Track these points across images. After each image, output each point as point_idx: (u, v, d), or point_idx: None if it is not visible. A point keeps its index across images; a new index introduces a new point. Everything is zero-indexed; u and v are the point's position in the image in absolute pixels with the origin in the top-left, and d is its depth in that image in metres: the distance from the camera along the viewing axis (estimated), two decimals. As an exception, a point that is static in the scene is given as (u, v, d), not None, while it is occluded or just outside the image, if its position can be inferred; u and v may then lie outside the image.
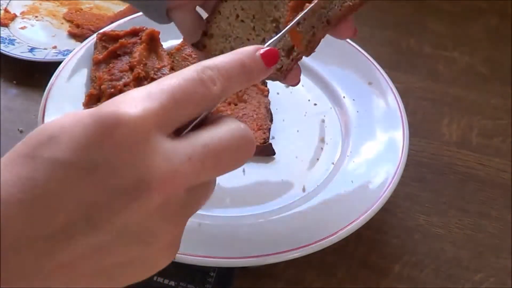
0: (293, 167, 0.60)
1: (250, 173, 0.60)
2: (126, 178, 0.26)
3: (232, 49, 0.43)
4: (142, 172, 0.26)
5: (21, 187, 0.25)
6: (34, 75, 0.74)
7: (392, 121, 0.61)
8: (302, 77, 0.67)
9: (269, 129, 0.63)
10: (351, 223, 0.51)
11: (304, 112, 0.66)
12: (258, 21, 0.44)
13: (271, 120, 0.64)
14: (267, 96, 0.66)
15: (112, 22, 0.73)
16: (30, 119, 0.66)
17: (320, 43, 0.65)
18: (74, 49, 0.69)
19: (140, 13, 0.67)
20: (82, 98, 0.62)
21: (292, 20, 0.39)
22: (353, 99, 0.65)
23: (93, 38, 0.69)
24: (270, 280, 0.54)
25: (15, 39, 0.77)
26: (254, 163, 0.60)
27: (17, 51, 0.75)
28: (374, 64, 0.67)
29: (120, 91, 0.61)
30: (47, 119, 0.59)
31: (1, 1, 0.82)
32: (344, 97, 0.66)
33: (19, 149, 0.26)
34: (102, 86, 0.62)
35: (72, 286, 0.27)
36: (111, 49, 0.67)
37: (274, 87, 0.67)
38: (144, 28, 0.68)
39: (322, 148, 0.62)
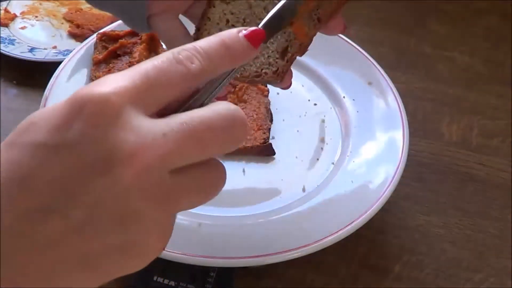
0: (293, 167, 0.60)
1: (250, 173, 0.60)
2: (96, 153, 0.26)
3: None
4: (112, 146, 0.26)
5: (1, 171, 0.26)
6: (34, 75, 0.73)
7: (392, 121, 0.61)
8: (302, 77, 0.68)
9: (269, 129, 0.63)
10: (351, 223, 0.51)
11: (304, 112, 0.66)
12: (249, 25, 0.44)
13: (271, 120, 0.64)
14: (267, 96, 0.66)
15: (112, 22, 0.73)
16: (30, 119, 0.65)
17: (321, 43, 0.65)
18: (74, 49, 0.69)
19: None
20: (82, 98, 0.62)
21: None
22: (353, 99, 0.65)
23: (93, 38, 0.69)
24: (270, 280, 0.54)
25: (15, 39, 0.77)
26: (254, 163, 0.60)
27: (17, 51, 0.75)
28: (374, 64, 0.67)
29: (120, 91, 0.61)
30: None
31: (1, 2, 0.82)
32: (344, 97, 0.66)
33: (6, 139, 0.27)
34: (102, 86, 0.62)
35: (52, 275, 0.26)
36: (111, 49, 0.67)
37: (274, 87, 0.67)
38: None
39: (322, 148, 0.62)
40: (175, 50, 0.29)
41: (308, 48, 0.44)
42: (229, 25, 0.44)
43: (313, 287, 0.54)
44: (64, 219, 0.25)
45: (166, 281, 0.51)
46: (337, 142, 0.62)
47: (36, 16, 0.82)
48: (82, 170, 0.26)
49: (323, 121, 0.65)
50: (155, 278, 0.51)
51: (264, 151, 0.61)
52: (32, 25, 0.80)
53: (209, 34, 0.43)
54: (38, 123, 0.27)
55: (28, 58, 0.74)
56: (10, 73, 0.74)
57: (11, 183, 0.26)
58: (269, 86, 0.66)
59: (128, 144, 0.26)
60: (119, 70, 0.64)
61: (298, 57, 0.45)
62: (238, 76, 0.42)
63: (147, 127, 0.27)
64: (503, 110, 0.72)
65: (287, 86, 0.46)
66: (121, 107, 0.26)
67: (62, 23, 0.81)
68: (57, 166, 0.26)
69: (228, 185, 0.59)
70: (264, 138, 0.61)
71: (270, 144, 0.61)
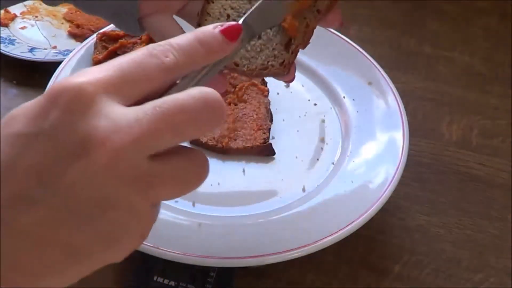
0: (293, 167, 0.60)
1: (250, 173, 0.60)
2: (71, 139, 0.26)
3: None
4: (86, 131, 0.26)
5: None
6: (34, 75, 0.73)
7: (392, 121, 0.61)
8: (302, 77, 0.68)
9: (269, 129, 0.63)
10: (351, 223, 0.51)
11: (304, 112, 0.66)
12: None
13: (271, 120, 0.64)
14: (267, 96, 0.66)
15: (112, 22, 0.73)
16: (30, 119, 0.65)
17: (321, 43, 0.65)
18: (74, 49, 0.69)
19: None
20: (82, 98, 0.62)
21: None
22: (353, 99, 0.65)
23: (93, 38, 0.69)
24: (270, 280, 0.54)
25: (15, 39, 0.77)
26: (254, 163, 0.60)
27: (17, 51, 0.75)
28: (374, 64, 0.67)
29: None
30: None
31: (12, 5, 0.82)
32: (344, 97, 0.66)
33: None
34: (102, 86, 0.62)
35: (37, 268, 0.26)
36: (111, 49, 0.67)
37: (274, 87, 0.67)
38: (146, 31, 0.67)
39: (322, 148, 0.62)
40: (150, 45, 0.30)
41: (310, 41, 0.44)
42: (230, 20, 0.43)
43: (313, 287, 0.54)
44: (44, 205, 0.26)
45: (166, 281, 0.51)
46: (337, 142, 0.62)
47: (36, 16, 0.82)
48: (59, 155, 0.26)
49: (323, 121, 0.65)
50: (155, 278, 0.51)
51: (264, 151, 0.61)
52: (32, 25, 0.80)
53: None
54: (18, 116, 0.28)
55: (28, 58, 0.74)
56: (10, 73, 0.74)
57: None
58: (269, 86, 0.66)
59: (101, 128, 0.26)
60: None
61: (298, 57, 0.45)
62: (245, 70, 0.42)
63: (121, 113, 0.27)
64: (503, 110, 0.72)
65: (291, 79, 0.46)
66: (95, 96, 0.27)
67: (62, 23, 0.81)
68: (35, 154, 0.26)
69: (228, 185, 0.60)
70: (264, 138, 0.61)
71: (270, 144, 0.61)
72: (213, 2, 0.44)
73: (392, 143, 0.59)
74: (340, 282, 0.54)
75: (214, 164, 0.60)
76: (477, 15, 0.85)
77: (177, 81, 0.32)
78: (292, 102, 0.67)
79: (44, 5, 0.83)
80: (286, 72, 0.43)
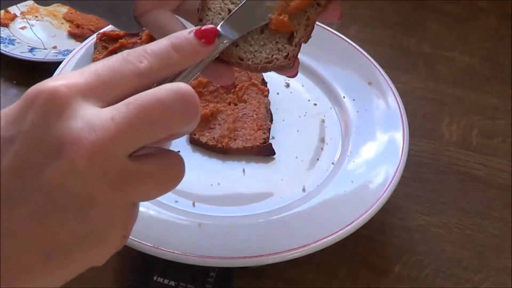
0: (293, 167, 0.60)
1: (250, 173, 0.60)
2: (47, 139, 0.27)
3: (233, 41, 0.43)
4: (60, 133, 0.27)
5: None
6: (34, 75, 0.73)
7: (392, 121, 0.61)
8: (302, 77, 0.68)
9: (269, 129, 0.63)
10: (351, 223, 0.51)
11: (304, 112, 0.66)
12: None
13: (271, 120, 0.64)
14: (267, 96, 0.66)
15: (112, 22, 0.73)
16: (30, 119, 0.65)
17: (321, 43, 0.65)
18: (74, 49, 0.69)
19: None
20: (82, 98, 0.62)
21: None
22: (353, 99, 0.65)
23: (93, 38, 0.69)
24: (270, 280, 0.54)
25: (15, 39, 0.77)
26: (254, 163, 0.60)
27: (17, 51, 0.75)
28: (374, 64, 0.67)
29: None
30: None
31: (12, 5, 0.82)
32: (344, 97, 0.66)
33: None
34: (102, 86, 0.62)
35: (18, 271, 0.27)
36: (111, 49, 0.67)
37: (274, 87, 0.67)
38: (144, 29, 0.67)
39: (322, 148, 0.62)
40: (125, 51, 0.30)
41: (312, 35, 0.44)
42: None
43: (313, 287, 0.54)
44: (24, 204, 0.26)
45: (166, 281, 0.51)
46: (337, 142, 0.62)
47: (36, 16, 0.82)
48: (36, 156, 0.27)
49: (323, 121, 0.65)
50: (155, 278, 0.51)
51: (264, 151, 0.61)
52: (32, 25, 0.80)
53: (213, 24, 0.43)
54: None
55: (28, 58, 0.74)
56: (10, 73, 0.74)
57: None
58: (269, 86, 0.66)
59: (75, 129, 0.27)
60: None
61: (298, 57, 0.45)
62: (250, 64, 0.42)
63: (96, 114, 0.27)
64: (503, 110, 0.72)
65: (295, 73, 0.46)
66: (70, 98, 0.27)
67: (62, 23, 0.81)
68: (13, 156, 0.27)
69: (228, 185, 0.60)
70: (264, 138, 0.61)
71: (270, 144, 0.61)
72: None
73: (392, 143, 0.59)
74: (340, 282, 0.54)
75: (214, 164, 0.60)
76: (477, 15, 0.85)
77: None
78: (292, 102, 0.67)
79: (44, 5, 0.83)
80: (291, 64, 0.42)
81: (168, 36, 0.32)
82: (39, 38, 0.78)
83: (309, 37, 0.43)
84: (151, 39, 0.67)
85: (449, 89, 0.74)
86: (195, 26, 0.44)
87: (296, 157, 0.61)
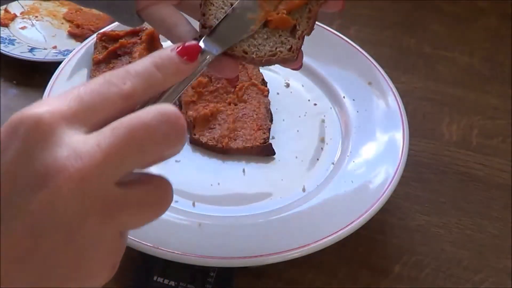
0: (293, 167, 0.60)
1: (250, 173, 0.60)
2: (32, 169, 0.26)
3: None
4: (46, 161, 0.26)
5: None
6: (34, 75, 0.73)
7: (392, 121, 0.61)
8: (302, 77, 0.68)
9: (269, 129, 0.63)
10: (351, 223, 0.51)
11: (304, 112, 0.66)
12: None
13: (271, 120, 0.64)
14: (267, 96, 0.66)
15: (112, 22, 0.73)
16: (30, 119, 0.65)
17: (321, 43, 0.65)
18: (74, 49, 0.69)
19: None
20: (82, 98, 0.62)
21: None
22: (353, 99, 0.65)
23: (93, 38, 0.69)
24: (270, 280, 0.54)
25: (15, 39, 0.77)
26: (254, 163, 0.60)
27: (17, 51, 0.75)
28: (374, 64, 0.67)
29: (120, 91, 0.61)
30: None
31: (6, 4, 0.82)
32: (344, 97, 0.66)
33: None
34: (102, 86, 0.62)
35: None
36: (111, 49, 0.67)
37: (274, 87, 0.67)
38: (144, 28, 0.68)
39: (322, 148, 0.62)
40: (107, 73, 0.30)
41: (313, 29, 0.44)
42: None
43: (313, 287, 0.54)
44: (9, 238, 0.25)
45: (166, 281, 0.51)
46: (337, 142, 0.62)
47: (36, 16, 0.82)
48: (21, 187, 0.26)
49: (323, 121, 0.65)
50: (155, 278, 0.51)
51: (264, 151, 0.61)
52: (32, 25, 0.80)
53: (216, 19, 0.42)
54: None
55: (28, 58, 0.74)
56: (10, 73, 0.74)
57: None
58: (269, 86, 0.66)
59: (61, 157, 0.26)
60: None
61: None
62: (254, 57, 0.42)
63: (81, 141, 0.27)
64: (503, 110, 0.72)
65: (299, 66, 0.46)
66: (54, 125, 0.27)
67: (62, 23, 0.81)
68: None
69: (228, 185, 0.60)
70: (264, 138, 0.61)
71: (270, 144, 0.61)
72: None
73: (392, 143, 0.59)
74: (340, 282, 0.54)
75: (214, 164, 0.60)
76: (477, 15, 0.85)
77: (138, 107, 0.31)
78: (292, 102, 0.67)
79: (44, 5, 0.83)
80: (295, 57, 0.42)
81: (150, 54, 0.31)
82: (39, 38, 0.78)
83: (311, 29, 0.43)
84: (151, 39, 0.67)
85: (449, 89, 0.74)
86: (198, 20, 0.44)
87: (296, 157, 0.61)
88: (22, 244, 0.26)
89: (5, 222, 0.26)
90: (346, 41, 0.70)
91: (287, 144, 0.62)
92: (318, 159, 0.61)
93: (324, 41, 0.68)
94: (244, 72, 0.66)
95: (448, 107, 0.72)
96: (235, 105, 0.64)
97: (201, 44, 0.37)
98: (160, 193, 0.29)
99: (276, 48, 0.42)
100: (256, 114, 0.63)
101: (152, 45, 0.67)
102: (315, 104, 0.67)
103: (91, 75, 0.65)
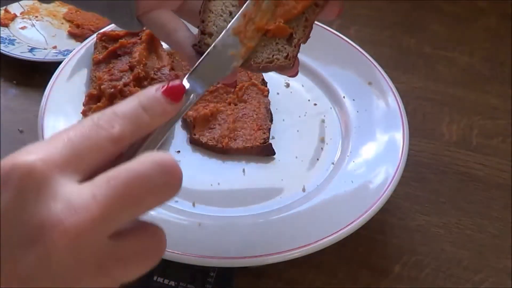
0: (293, 167, 0.60)
1: (250, 173, 0.60)
2: (25, 223, 0.25)
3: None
4: (40, 215, 0.25)
5: None
6: (34, 75, 0.73)
7: (392, 121, 0.61)
8: (302, 77, 0.68)
9: (269, 129, 0.63)
10: (351, 223, 0.51)
11: (304, 112, 0.66)
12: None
13: (271, 120, 0.64)
14: (267, 96, 0.66)
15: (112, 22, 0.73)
16: (30, 119, 0.66)
17: (321, 43, 0.65)
18: (74, 49, 0.69)
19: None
20: (82, 98, 0.62)
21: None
22: (353, 99, 0.65)
23: (93, 38, 0.69)
24: (270, 280, 0.54)
25: (15, 39, 0.77)
26: (254, 163, 0.60)
27: (17, 51, 0.75)
28: (374, 64, 0.67)
29: (120, 91, 0.61)
30: (47, 119, 0.59)
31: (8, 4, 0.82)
32: (344, 97, 0.66)
33: None
34: (102, 86, 0.62)
35: None
36: (111, 49, 0.67)
37: (274, 87, 0.67)
38: (144, 28, 0.67)
39: (322, 148, 0.62)
40: (95, 116, 0.29)
41: (310, 35, 0.44)
42: (233, 16, 0.44)
43: (313, 287, 0.54)
44: None
45: (166, 281, 0.51)
46: (337, 142, 0.62)
47: (36, 16, 0.82)
48: (12, 243, 0.25)
49: (323, 121, 0.65)
50: (155, 278, 0.51)
51: (264, 151, 0.61)
52: (32, 25, 0.80)
53: (215, 25, 0.43)
54: None
55: (28, 58, 0.74)
56: (10, 73, 0.74)
57: None
58: (269, 86, 0.66)
59: (56, 211, 0.25)
60: (119, 70, 0.64)
61: (298, 57, 0.45)
62: (252, 64, 0.43)
63: (76, 193, 0.26)
64: (503, 110, 0.72)
65: (295, 73, 0.46)
66: (47, 175, 0.26)
67: (62, 23, 0.81)
68: None
69: (228, 185, 0.60)
70: (264, 138, 0.61)
71: (270, 144, 0.61)
72: (214, 0, 0.44)
73: (392, 143, 0.59)
74: (340, 282, 0.54)
75: (214, 164, 0.60)
76: (477, 15, 0.85)
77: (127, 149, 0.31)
78: (292, 102, 0.67)
79: (44, 5, 0.83)
80: (291, 64, 0.43)
81: (136, 94, 0.31)
82: (39, 38, 0.78)
83: (307, 37, 0.44)
84: (151, 39, 0.67)
85: (449, 89, 0.74)
86: (197, 27, 0.44)
87: (296, 157, 0.61)
88: None
89: None
90: (346, 41, 0.70)
91: (287, 144, 0.62)
92: (318, 159, 0.61)
93: (324, 41, 0.68)
94: (244, 72, 0.66)
95: (448, 107, 0.72)
96: (235, 105, 0.64)
97: (185, 83, 0.36)
98: (154, 243, 0.28)
99: (273, 56, 0.43)
100: (256, 114, 0.63)
101: (152, 45, 0.67)
102: (315, 104, 0.67)
103: (91, 75, 0.65)
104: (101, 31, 0.69)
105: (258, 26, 0.41)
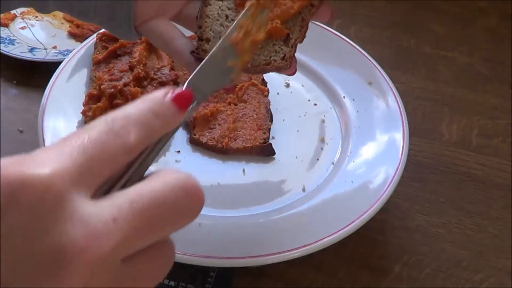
0: (293, 167, 0.60)
1: (250, 173, 0.60)
2: (40, 251, 0.22)
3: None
4: (58, 242, 0.22)
5: None
6: (34, 75, 0.74)
7: (392, 121, 0.61)
8: (302, 77, 0.68)
9: (269, 129, 0.63)
10: (351, 223, 0.51)
11: (304, 112, 0.66)
12: None
13: (271, 120, 0.64)
14: (267, 96, 0.66)
15: (112, 22, 0.73)
16: (30, 119, 0.66)
17: (321, 43, 0.65)
18: (74, 49, 0.69)
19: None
20: (82, 98, 0.62)
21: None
22: (353, 99, 0.65)
23: (93, 38, 0.69)
24: (270, 280, 0.54)
25: (15, 39, 0.77)
26: (254, 163, 0.60)
27: (17, 51, 0.75)
28: (374, 64, 0.67)
29: (120, 91, 0.61)
30: (47, 119, 0.59)
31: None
32: (344, 97, 0.66)
33: None
34: (102, 86, 0.62)
35: None
36: (111, 49, 0.67)
37: (274, 87, 0.67)
38: (142, 38, 0.67)
39: (322, 148, 0.62)
40: (109, 120, 0.27)
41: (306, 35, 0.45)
42: (229, 20, 0.44)
43: (313, 287, 0.54)
44: None
45: (166, 281, 0.51)
46: (337, 142, 0.62)
47: (36, 16, 0.82)
48: (25, 273, 0.22)
49: (323, 121, 0.65)
50: (155, 278, 0.51)
51: (264, 151, 0.61)
52: (32, 25, 0.80)
53: (212, 31, 0.44)
54: None
55: (28, 58, 0.74)
56: (10, 73, 0.74)
57: None
58: (269, 86, 0.66)
59: (78, 238, 0.23)
60: (119, 70, 0.64)
61: (298, 57, 0.45)
62: (249, 66, 0.43)
63: (94, 214, 0.24)
64: (503, 110, 0.72)
65: (293, 72, 0.46)
66: (64, 193, 0.23)
67: (62, 23, 0.81)
68: None
69: (228, 185, 0.59)
70: (264, 138, 0.61)
71: (270, 144, 0.61)
72: (210, 5, 0.44)
73: (392, 143, 0.59)
74: (340, 282, 0.54)
75: (214, 164, 0.60)
76: (477, 15, 0.85)
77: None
78: (292, 102, 0.67)
79: (44, 5, 0.83)
80: (288, 65, 0.44)
81: (143, 99, 0.28)
82: (39, 38, 0.78)
83: (303, 37, 0.44)
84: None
85: (449, 89, 0.74)
86: (194, 32, 0.44)
87: (296, 157, 0.61)
88: None
89: None
90: (346, 41, 0.70)
91: (287, 144, 0.62)
92: (318, 159, 0.61)
93: (324, 41, 0.68)
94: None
95: (448, 107, 0.72)
96: (235, 105, 0.64)
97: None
98: (165, 261, 0.27)
99: (270, 57, 0.44)
100: (256, 114, 0.63)
101: (152, 45, 0.67)
102: (315, 104, 0.67)
103: (91, 75, 0.65)
104: (101, 31, 0.69)
105: (254, 39, 0.39)
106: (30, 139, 0.64)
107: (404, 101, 0.63)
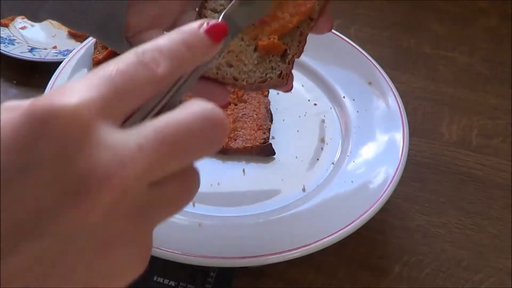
0: (293, 167, 0.60)
1: (250, 173, 0.60)
2: (68, 177, 0.23)
3: (231, 51, 0.43)
4: (85, 168, 0.23)
5: None
6: (34, 75, 0.74)
7: (392, 121, 0.61)
8: (302, 77, 0.68)
9: (269, 129, 0.63)
10: (351, 223, 0.51)
11: (304, 112, 0.66)
12: None
13: (271, 120, 0.64)
14: (267, 96, 0.66)
15: (112, 22, 0.73)
16: (30, 119, 0.66)
17: (321, 43, 0.65)
18: (74, 49, 0.69)
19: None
20: (82, 98, 0.62)
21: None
22: (353, 99, 0.65)
23: (93, 38, 0.69)
24: (270, 280, 0.54)
25: (15, 39, 0.77)
26: (254, 163, 0.60)
27: (17, 51, 0.75)
28: (374, 64, 0.67)
29: (120, 91, 0.61)
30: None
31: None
32: (344, 97, 0.66)
33: None
34: (102, 86, 0.62)
35: None
36: (111, 49, 0.66)
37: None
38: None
39: (322, 148, 0.62)
40: (139, 51, 0.27)
41: (304, 49, 0.44)
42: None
43: (313, 287, 0.54)
44: (32, 252, 0.23)
45: (166, 281, 0.51)
46: (337, 142, 0.62)
47: (36, 16, 0.82)
48: (54, 197, 0.23)
49: (323, 121, 0.65)
50: (155, 278, 0.51)
51: (264, 151, 0.61)
52: (32, 25, 0.80)
53: None
54: None
55: (28, 58, 0.74)
56: (10, 73, 0.74)
57: None
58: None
59: (104, 164, 0.23)
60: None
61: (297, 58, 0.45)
62: (244, 84, 0.42)
63: (121, 141, 0.24)
64: (503, 110, 0.72)
65: (289, 89, 0.45)
66: (91, 122, 0.24)
67: (62, 23, 0.81)
68: (20, 194, 0.23)
69: (228, 185, 0.60)
70: (264, 138, 0.61)
71: (270, 144, 0.61)
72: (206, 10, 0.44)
73: (392, 143, 0.59)
74: (340, 282, 0.54)
75: (214, 164, 0.60)
76: (477, 15, 0.85)
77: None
78: (292, 102, 0.67)
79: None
80: (284, 83, 0.42)
81: (178, 30, 0.28)
82: (39, 38, 0.78)
83: (301, 52, 0.43)
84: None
85: (449, 89, 0.74)
86: None
87: (296, 157, 0.61)
88: (50, 259, 0.23)
89: (34, 237, 0.23)
90: (346, 41, 0.70)
91: (287, 144, 0.62)
92: (318, 159, 0.61)
93: (324, 41, 0.68)
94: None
95: (448, 107, 0.72)
96: (235, 105, 0.64)
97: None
98: (190, 185, 0.28)
99: (266, 74, 0.42)
100: (256, 114, 0.63)
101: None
102: (315, 104, 0.67)
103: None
104: (101, 31, 0.69)
105: None
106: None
107: (404, 101, 0.63)
